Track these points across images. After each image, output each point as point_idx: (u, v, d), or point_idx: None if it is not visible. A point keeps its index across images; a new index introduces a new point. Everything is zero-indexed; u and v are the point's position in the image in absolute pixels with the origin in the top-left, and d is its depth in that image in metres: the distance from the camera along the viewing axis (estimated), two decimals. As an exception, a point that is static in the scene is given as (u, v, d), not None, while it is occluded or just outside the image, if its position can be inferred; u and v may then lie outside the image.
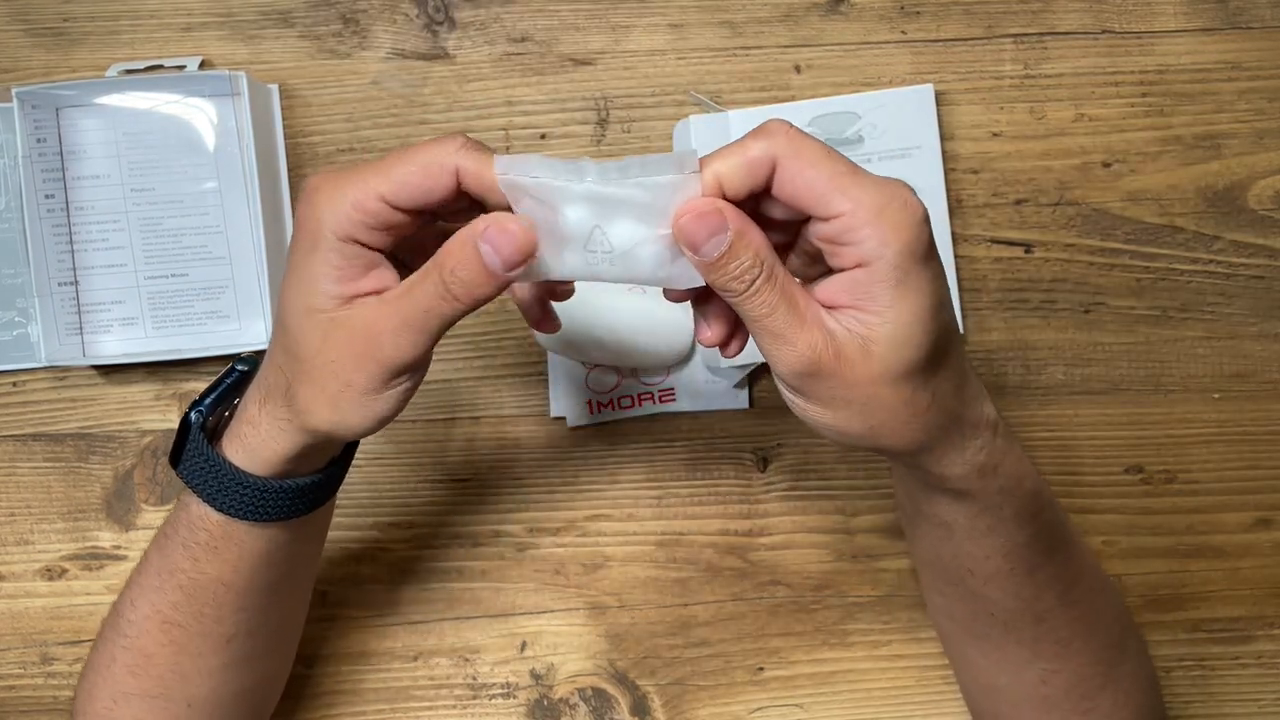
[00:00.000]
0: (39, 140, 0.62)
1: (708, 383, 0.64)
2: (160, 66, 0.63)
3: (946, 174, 0.63)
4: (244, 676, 0.54)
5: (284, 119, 0.64)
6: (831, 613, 0.66)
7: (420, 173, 0.41)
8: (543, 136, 0.64)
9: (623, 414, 0.65)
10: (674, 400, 0.65)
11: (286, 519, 0.48)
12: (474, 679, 0.65)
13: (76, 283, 0.63)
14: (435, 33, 0.65)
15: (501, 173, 0.40)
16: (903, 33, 0.65)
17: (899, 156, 0.62)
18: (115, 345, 0.64)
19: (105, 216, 0.63)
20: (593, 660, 0.65)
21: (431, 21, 0.65)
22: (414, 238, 0.44)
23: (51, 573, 0.65)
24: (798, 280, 0.41)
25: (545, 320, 0.50)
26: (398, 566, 0.65)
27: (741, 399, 0.65)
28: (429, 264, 0.41)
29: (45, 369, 0.64)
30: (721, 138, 0.61)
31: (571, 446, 0.65)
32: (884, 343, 0.39)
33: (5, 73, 0.64)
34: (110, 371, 0.65)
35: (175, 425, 0.64)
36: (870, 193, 0.38)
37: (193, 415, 0.48)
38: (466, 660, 0.65)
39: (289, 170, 0.64)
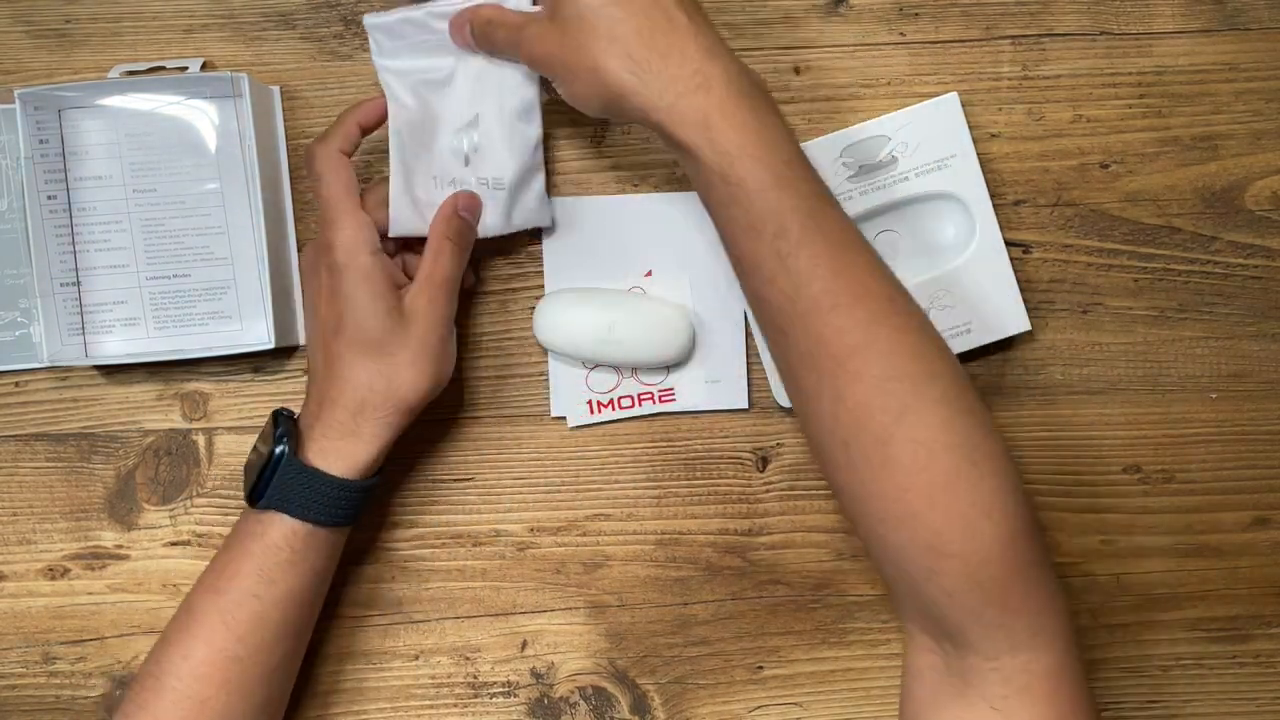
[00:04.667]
0: (41, 141, 0.62)
1: (708, 383, 0.65)
2: (162, 68, 0.63)
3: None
4: (275, 711, 0.59)
5: (285, 120, 0.65)
6: (830, 612, 0.66)
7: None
8: (545, 138, 0.65)
9: (623, 414, 0.65)
10: (674, 400, 0.65)
11: (359, 517, 0.59)
12: (475, 678, 0.65)
13: (79, 283, 0.63)
14: (436, 34, 0.65)
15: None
16: (901, 34, 0.65)
17: (936, 169, 0.62)
18: (117, 345, 0.64)
19: (107, 217, 0.64)
20: (593, 659, 0.66)
21: (432, 23, 0.65)
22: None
23: (54, 572, 0.65)
24: None
25: None
26: (398, 566, 0.65)
27: (741, 399, 0.65)
28: (432, 246, 0.58)
29: (47, 369, 0.64)
30: None
31: (571, 446, 0.65)
32: None
33: (8, 74, 0.65)
34: (112, 372, 0.65)
35: (176, 425, 0.64)
36: None
37: (280, 449, 0.55)
38: (467, 659, 0.65)
39: (290, 171, 0.65)
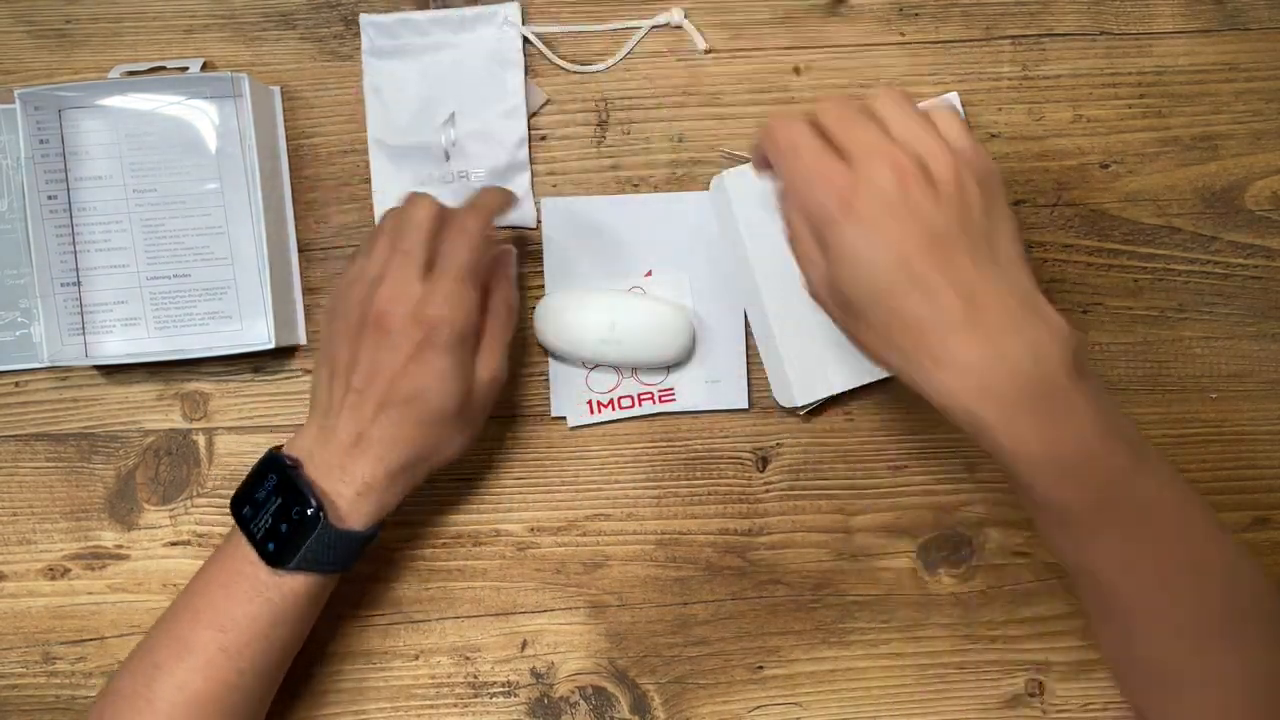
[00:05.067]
0: (42, 141, 0.62)
1: (708, 383, 0.65)
2: (163, 68, 0.64)
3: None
4: None
5: (286, 120, 0.65)
6: (830, 612, 0.66)
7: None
8: (543, 138, 0.65)
9: (623, 414, 0.65)
10: (674, 400, 0.65)
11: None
12: (475, 678, 0.65)
13: (79, 283, 0.64)
14: (436, 34, 0.65)
15: None
16: (901, 34, 0.65)
17: None
18: (117, 345, 0.64)
19: (107, 217, 0.64)
20: (593, 659, 0.66)
21: (432, 23, 0.65)
22: None
23: (54, 572, 0.65)
24: None
25: None
26: (398, 566, 0.65)
27: (741, 399, 0.65)
28: (496, 309, 0.57)
29: (48, 369, 0.64)
30: (758, 189, 0.60)
31: (571, 446, 0.65)
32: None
33: (8, 74, 0.65)
34: (112, 372, 0.65)
35: (176, 425, 0.64)
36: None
37: (317, 518, 0.53)
38: (467, 659, 0.65)
39: (290, 171, 0.65)
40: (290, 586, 0.54)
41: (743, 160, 0.64)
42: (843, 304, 0.48)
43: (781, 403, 0.64)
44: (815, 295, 0.51)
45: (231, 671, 0.54)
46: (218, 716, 0.54)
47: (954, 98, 0.62)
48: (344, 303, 0.56)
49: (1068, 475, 0.46)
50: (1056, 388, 0.45)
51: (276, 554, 0.54)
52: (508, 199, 0.60)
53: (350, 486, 0.54)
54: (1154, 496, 0.48)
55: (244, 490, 0.56)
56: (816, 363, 0.62)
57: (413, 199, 0.57)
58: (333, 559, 0.54)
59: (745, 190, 0.62)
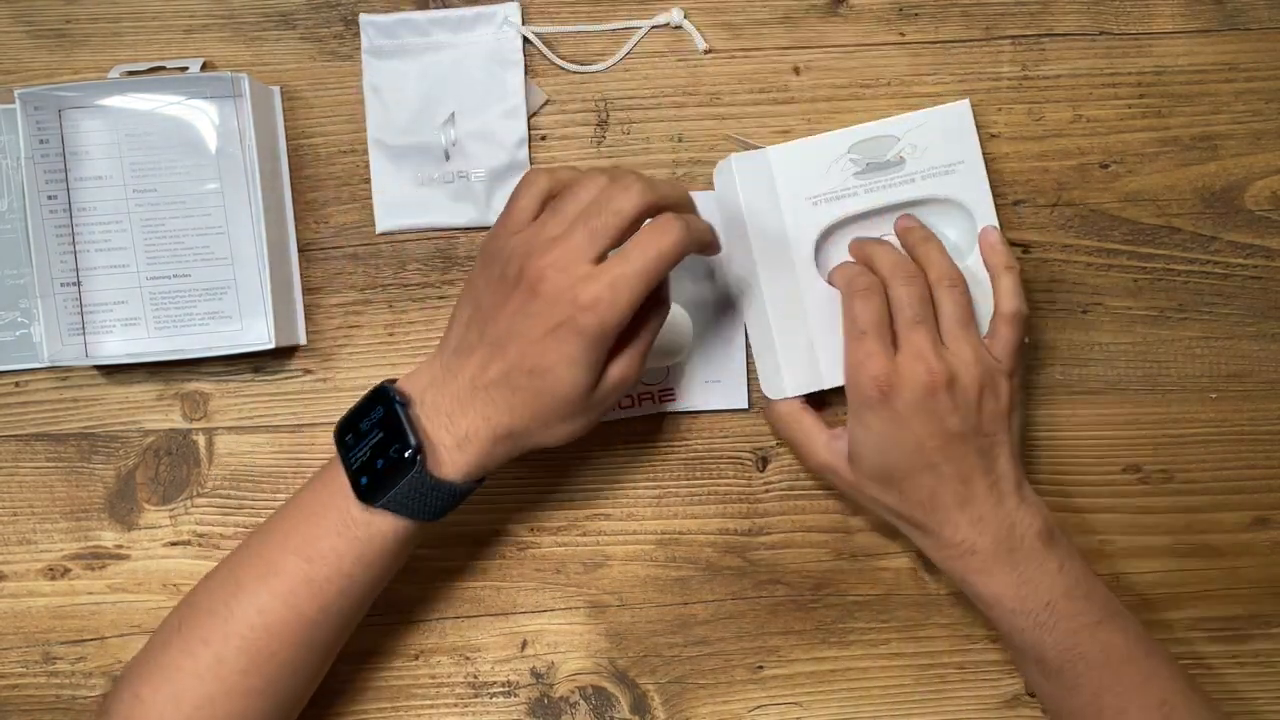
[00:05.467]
0: (41, 141, 0.62)
1: (708, 383, 0.65)
2: (162, 68, 0.64)
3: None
4: (325, 671, 0.58)
5: (286, 120, 0.65)
6: (830, 611, 0.66)
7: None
8: (543, 138, 0.65)
9: (623, 414, 0.65)
10: (674, 400, 0.65)
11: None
12: (475, 677, 0.65)
13: (79, 283, 0.64)
14: (436, 34, 0.65)
15: None
16: (901, 34, 0.65)
17: (943, 174, 0.61)
18: (117, 345, 0.64)
19: (107, 217, 0.64)
20: (593, 659, 0.66)
21: (432, 23, 0.65)
22: None
23: (54, 572, 0.65)
24: None
25: None
26: (399, 566, 0.65)
27: (741, 399, 0.65)
28: (646, 318, 0.55)
29: (48, 369, 0.64)
30: (765, 177, 0.61)
31: (571, 446, 0.65)
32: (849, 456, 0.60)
33: (8, 74, 0.65)
34: (112, 372, 0.65)
35: (176, 425, 0.64)
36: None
37: (414, 459, 0.52)
38: (467, 659, 0.65)
39: (290, 171, 0.65)
40: (377, 527, 0.53)
41: (751, 147, 0.64)
42: (858, 464, 0.59)
43: (769, 394, 0.63)
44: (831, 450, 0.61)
45: (312, 605, 0.54)
46: (291, 649, 0.54)
47: (965, 105, 0.62)
48: (506, 248, 0.53)
49: (1039, 624, 0.57)
50: (1031, 552, 0.57)
51: (368, 489, 0.53)
52: (716, 246, 0.56)
53: (452, 436, 0.53)
54: (1119, 645, 0.57)
55: (350, 417, 0.55)
56: (808, 355, 0.61)
57: (630, 182, 0.52)
58: (421, 507, 0.53)
59: (752, 175, 0.61)
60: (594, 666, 0.66)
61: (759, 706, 0.66)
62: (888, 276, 0.59)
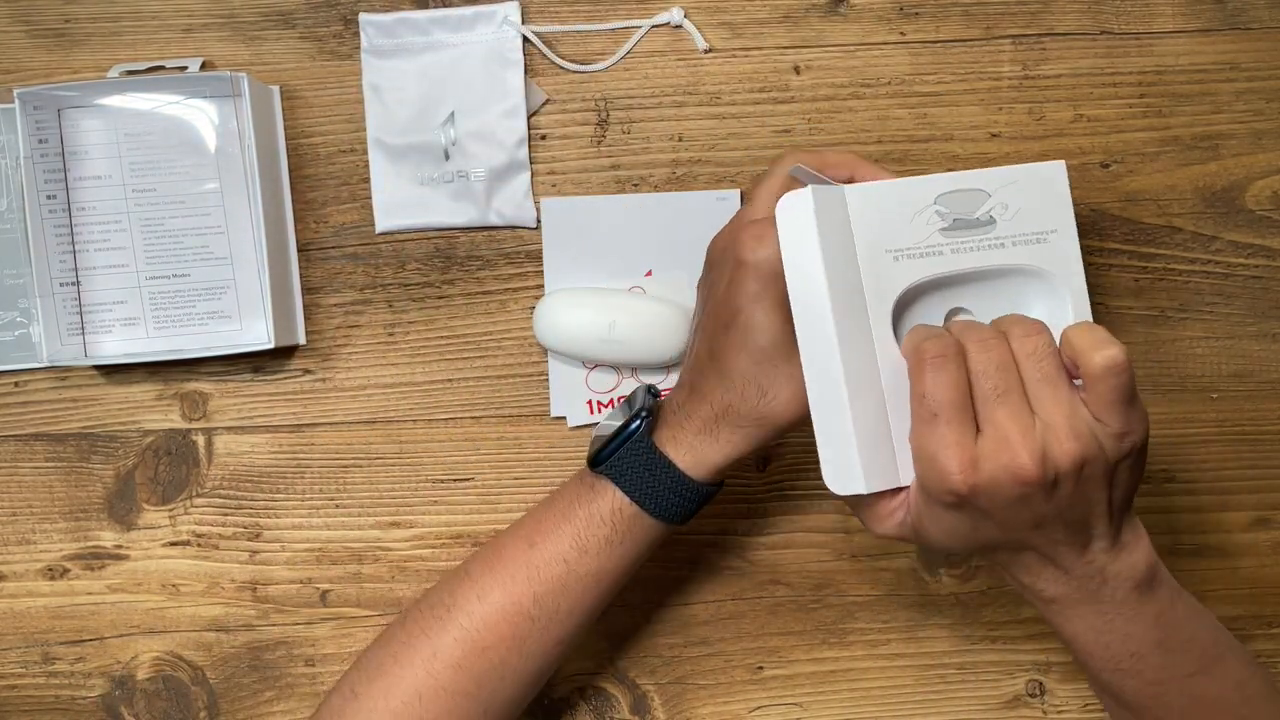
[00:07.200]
0: (41, 141, 0.62)
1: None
2: (162, 68, 0.63)
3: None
4: (534, 689, 0.57)
5: (285, 120, 0.65)
6: (830, 612, 0.66)
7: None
8: (543, 138, 0.65)
9: (623, 414, 0.65)
10: (674, 400, 0.65)
11: (687, 520, 0.56)
12: (474, 678, 0.65)
13: (78, 283, 0.63)
14: (436, 34, 0.65)
15: None
16: (901, 34, 0.65)
17: (1035, 242, 0.52)
18: (117, 345, 0.64)
19: (107, 217, 0.64)
20: (593, 659, 0.66)
21: (432, 23, 0.65)
22: None
23: (53, 572, 0.65)
24: None
25: None
26: (398, 566, 0.65)
27: (741, 399, 0.65)
28: None
29: (47, 369, 0.64)
30: (840, 221, 0.50)
31: (571, 446, 0.65)
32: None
33: (7, 74, 0.64)
34: (112, 371, 0.65)
35: (175, 425, 0.64)
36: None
37: (636, 424, 0.54)
38: (467, 659, 0.65)
39: (290, 171, 0.65)
40: (597, 508, 0.54)
41: (822, 181, 0.53)
42: (926, 542, 0.51)
43: (835, 489, 0.50)
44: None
45: (528, 594, 0.54)
46: (504, 647, 0.54)
47: (1060, 166, 0.53)
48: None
49: (1119, 670, 0.51)
50: (1122, 603, 0.50)
51: (596, 455, 0.55)
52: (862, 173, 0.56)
53: (679, 418, 0.55)
54: (1211, 696, 0.52)
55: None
56: (886, 444, 0.50)
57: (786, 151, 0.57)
58: (638, 481, 0.54)
59: (829, 216, 0.49)
60: (594, 667, 0.66)
61: (759, 707, 0.66)
62: (961, 340, 0.49)
